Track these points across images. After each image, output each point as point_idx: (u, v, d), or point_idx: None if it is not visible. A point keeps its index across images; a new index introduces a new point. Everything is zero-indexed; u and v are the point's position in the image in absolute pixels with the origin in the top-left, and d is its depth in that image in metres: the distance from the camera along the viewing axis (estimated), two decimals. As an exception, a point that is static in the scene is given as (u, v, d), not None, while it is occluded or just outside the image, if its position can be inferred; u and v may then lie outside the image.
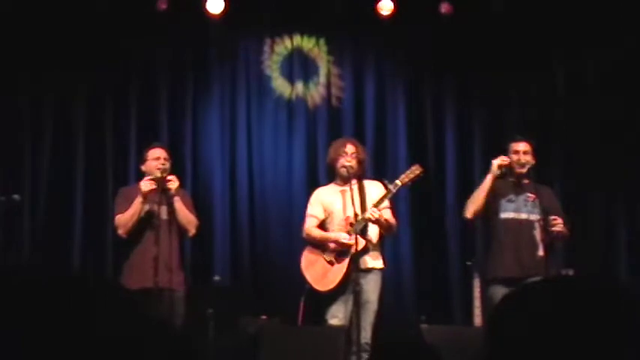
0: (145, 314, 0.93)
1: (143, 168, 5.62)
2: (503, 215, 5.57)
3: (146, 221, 5.43)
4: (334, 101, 7.44)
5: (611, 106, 7.21)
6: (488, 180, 5.57)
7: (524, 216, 5.55)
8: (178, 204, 5.45)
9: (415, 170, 5.45)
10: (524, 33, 7.30)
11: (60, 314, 0.87)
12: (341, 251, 5.35)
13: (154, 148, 5.70)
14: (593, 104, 7.29)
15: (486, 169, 7.09)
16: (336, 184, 5.60)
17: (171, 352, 0.93)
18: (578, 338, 0.97)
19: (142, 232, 5.44)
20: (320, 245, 5.46)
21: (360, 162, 5.52)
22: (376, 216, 5.25)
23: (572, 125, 7.33)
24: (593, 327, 0.98)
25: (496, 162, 5.57)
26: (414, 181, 5.51)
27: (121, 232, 5.52)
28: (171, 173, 5.52)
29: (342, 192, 5.47)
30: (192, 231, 5.59)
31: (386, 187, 5.36)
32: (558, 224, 5.39)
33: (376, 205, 5.28)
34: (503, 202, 5.58)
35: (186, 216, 5.50)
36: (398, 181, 5.37)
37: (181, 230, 5.54)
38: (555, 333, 0.98)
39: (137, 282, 5.17)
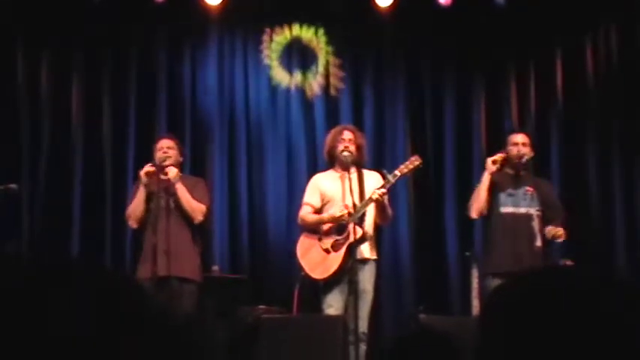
0: (146, 303, 0.92)
1: (155, 161, 5.66)
2: (503, 210, 5.57)
3: (149, 211, 5.46)
4: (333, 91, 7.43)
5: (610, 99, 7.22)
6: (485, 178, 5.57)
7: (522, 210, 5.54)
8: (180, 191, 5.47)
9: (414, 161, 5.44)
10: (525, 25, 7.30)
11: (56, 303, 0.87)
12: (337, 239, 5.34)
13: (159, 139, 5.77)
14: (592, 97, 7.30)
15: (485, 160, 7.17)
16: (335, 170, 5.60)
17: (170, 341, 0.93)
18: (571, 329, 0.96)
19: (146, 222, 5.47)
20: (316, 232, 5.46)
21: (358, 147, 5.53)
22: (380, 196, 5.23)
23: (572, 118, 7.33)
24: (587, 318, 0.97)
25: (490, 159, 5.58)
26: (413, 172, 5.52)
27: (130, 223, 5.62)
28: (177, 165, 5.57)
29: (341, 177, 5.47)
30: (198, 218, 5.57)
31: (384, 178, 5.35)
32: (559, 234, 5.40)
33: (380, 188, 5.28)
34: (503, 196, 5.58)
35: (189, 203, 5.50)
36: (397, 172, 5.36)
37: (188, 218, 5.54)
38: (546, 324, 0.97)
39: (144, 271, 5.27)
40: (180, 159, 5.76)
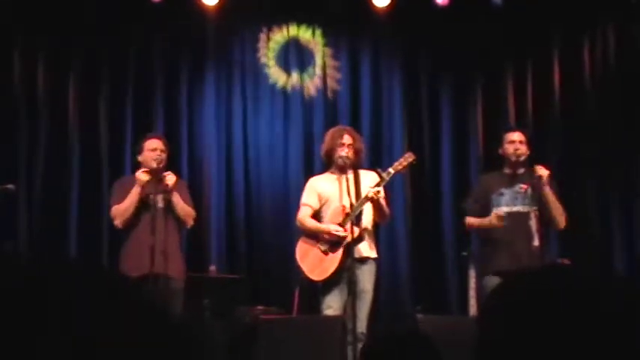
0: (143, 301, 0.92)
1: (140, 158, 5.62)
2: (497, 209, 5.56)
3: (143, 210, 5.44)
4: (330, 91, 7.43)
5: (608, 98, 7.23)
6: (485, 224, 5.54)
7: (516, 208, 5.52)
8: (176, 198, 5.48)
9: (408, 158, 5.45)
10: (523, 24, 7.31)
11: (56, 302, 0.87)
12: (335, 240, 5.34)
13: (151, 138, 5.71)
14: (590, 97, 7.31)
15: (482, 160, 7.19)
16: (331, 172, 5.59)
17: (171, 340, 0.93)
18: (571, 329, 0.96)
19: (139, 221, 5.46)
20: (314, 234, 5.46)
21: (356, 152, 5.51)
22: (375, 195, 5.23)
23: (569, 117, 7.35)
24: (586, 318, 0.97)
25: (498, 215, 5.45)
26: (407, 169, 5.52)
27: (117, 222, 5.55)
28: (167, 167, 5.54)
29: (338, 179, 5.46)
30: (190, 223, 5.65)
31: (379, 176, 5.35)
32: (539, 169, 5.40)
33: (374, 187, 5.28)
34: (495, 197, 5.56)
35: (184, 209, 5.53)
36: (391, 169, 5.37)
37: (179, 221, 5.55)
38: (545, 324, 0.97)
39: (134, 269, 5.20)
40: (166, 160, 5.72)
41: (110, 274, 0.95)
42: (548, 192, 5.48)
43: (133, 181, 5.51)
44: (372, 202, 5.29)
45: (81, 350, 0.85)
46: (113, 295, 0.91)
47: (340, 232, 5.29)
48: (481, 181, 5.90)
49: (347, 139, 5.51)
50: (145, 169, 5.45)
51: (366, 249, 5.39)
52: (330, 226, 5.36)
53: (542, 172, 5.42)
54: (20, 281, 0.88)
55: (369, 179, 5.44)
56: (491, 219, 5.48)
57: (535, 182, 5.47)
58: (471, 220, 5.70)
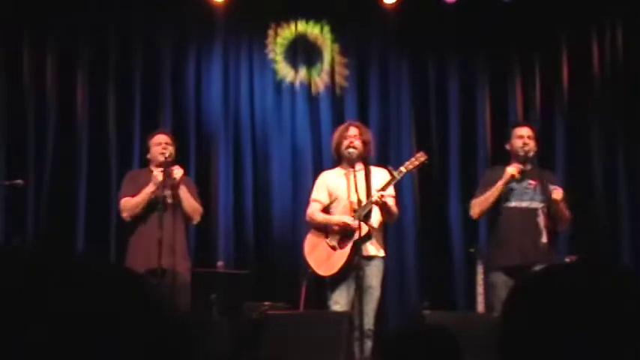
0: (147, 296, 0.92)
1: (148, 156, 5.69)
2: (506, 204, 5.55)
3: (151, 205, 5.46)
4: (338, 87, 7.42)
5: (615, 91, 7.21)
6: (499, 186, 5.50)
7: (526, 204, 5.52)
8: (183, 192, 5.50)
9: (420, 157, 5.45)
10: (530, 14, 7.29)
11: (61, 296, 0.87)
12: (344, 235, 5.34)
13: (155, 134, 5.77)
14: (597, 90, 7.29)
15: (490, 156, 7.17)
16: (341, 167, 5.60)
17: (178, 337, 0.93)
18: (593, 325, 0.96)
19: (147, 215, 5.48)
20: (323, 229, 5.46)
21: (364, 143, 5.52)
22: (380, 199, 5.24)
23: (577, 111, 7.33)
24: (608, 313, 0.97)
25: (511, 170, 5.49)
26: (419, 168, 5.52)
27: (125, 215, 5.59)
28: (174, 162, 5.55)
29: (346, 174, 5.46)
30: (196, 219, 5.67)
31: (391, 174, 5.35)
32: (556, 191, 5.39)
33: (381, 190, 5.28)
34: (505, 191, 5.55)
35: (191, 204, 5.55)
36: (402, 168, 5.37)
37: (186, 217, 5.57)
38: (567, 322, 0.97)
39: (141, 264, 5.22)
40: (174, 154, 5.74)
41: (117, 271, 0.95)
42: (562, 208, 5.48)
43: (144, 175, 5.55)
44: (377, 205, 5.29)
45: (84, 347, 0.85)
46: (118, 291, 0.91)
47: (354, 222, 5.27)
48: (488, 175, 5.86)
49: (352, 130, 5.55)
50: (161, 169, 5.46)
51: (374, 248, 5.39)
52: (344, 217, 5.36)
53: (557, 195, 5.41)
54: (24, 277, 0.88)
55: (379, 176, 5.44)
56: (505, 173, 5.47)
57: (544, 181, 5.47)
58: (476, 199, 5.65)
